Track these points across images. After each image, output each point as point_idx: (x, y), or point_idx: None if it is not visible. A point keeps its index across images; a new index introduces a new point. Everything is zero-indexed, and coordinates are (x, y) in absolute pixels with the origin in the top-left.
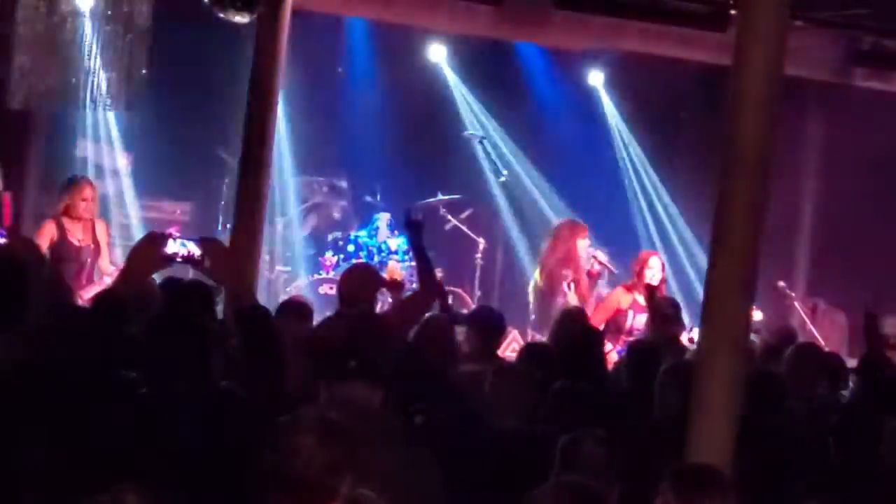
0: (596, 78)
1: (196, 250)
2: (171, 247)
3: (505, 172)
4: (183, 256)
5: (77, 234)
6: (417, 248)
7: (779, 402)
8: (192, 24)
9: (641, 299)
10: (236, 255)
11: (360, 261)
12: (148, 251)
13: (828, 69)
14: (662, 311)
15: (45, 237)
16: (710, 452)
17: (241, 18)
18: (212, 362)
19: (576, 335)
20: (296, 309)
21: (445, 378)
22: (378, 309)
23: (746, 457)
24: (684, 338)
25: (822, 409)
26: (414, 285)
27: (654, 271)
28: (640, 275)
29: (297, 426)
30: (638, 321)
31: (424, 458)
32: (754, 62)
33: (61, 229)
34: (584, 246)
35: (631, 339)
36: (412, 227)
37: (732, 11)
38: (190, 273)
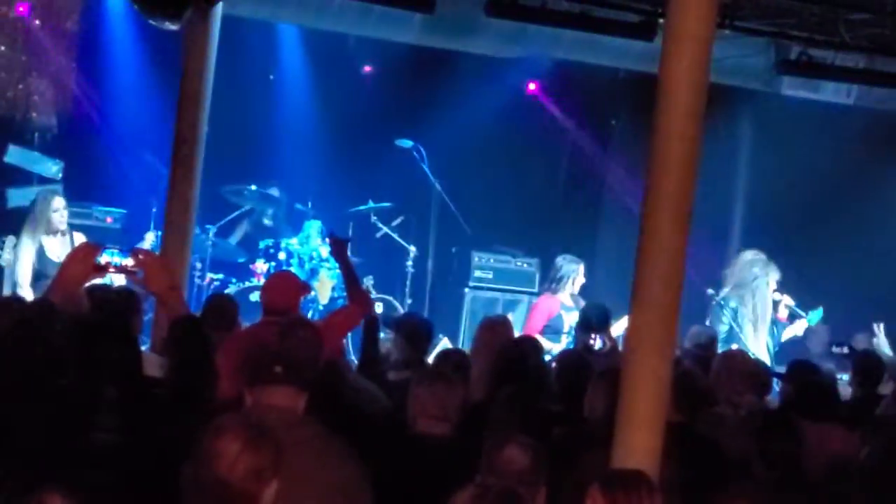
0: (529, 85)
1: (129, 261)
2: (104, 256)
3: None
4: (116, 266)
5: (56, 251)
6: (344, 265)
7: (705, 409)
8: (122, 29)
9: (568, 302)
10: (169, 266)
11: (282, 269)
12: (81, 261)
13: (757, 78)
14: (585, 318)
15: (26, 259)
16: (637, 458)
17: (170, 24)
18: (140, 367)
19: (508, 344)
20: (220, 313)
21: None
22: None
23: (674, 463)
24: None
25: (750, 416)
26: (345, 293)
27: (580, 278)
28: (565, 280)
29: (220, 431)
30: (572, 318)
31: (349, 463)
32: (681, 70)
33: (40, 248)
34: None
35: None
36: (335, 245)
37: (661, 20)
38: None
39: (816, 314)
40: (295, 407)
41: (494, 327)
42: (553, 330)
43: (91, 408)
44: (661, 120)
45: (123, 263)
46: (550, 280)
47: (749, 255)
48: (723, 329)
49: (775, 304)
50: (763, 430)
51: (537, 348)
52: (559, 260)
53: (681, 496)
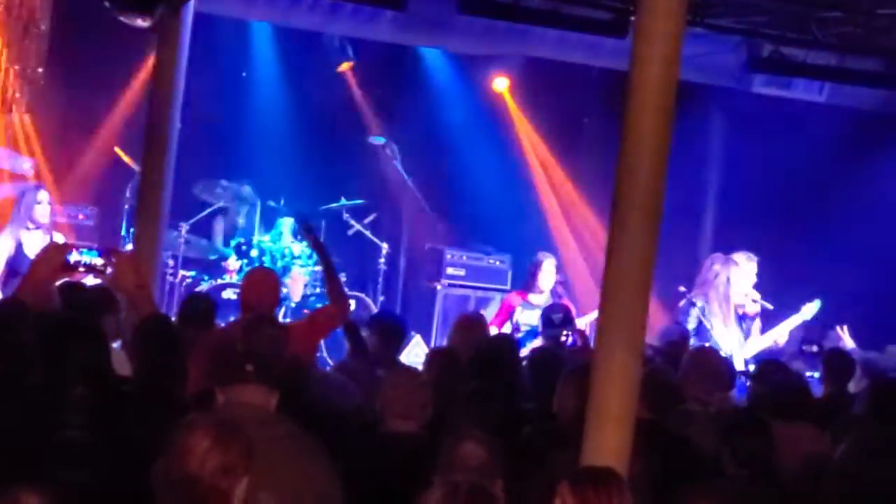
0: (500, 82)
1: (98, 259)
2: (74, 255)
3: (372, 216)
4: (85, 265)
5: (34, 248)
6: (323, 259)
7: (674, 406)
8: (94, 27)
9: (534, 299)
10: (138, 265)
11: (261, 266)
12: (50, 260)
13: (729, 76)
14: (548, 317)
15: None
16: (606, 455)
17: (141, 22)
18: (110, 365)
19: (484, 341)
20: (197, 312)
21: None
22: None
23: (644, 460)
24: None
25: (719, 413)
26: (317, 290)
27: (547, 274)
28: (534, 276)
29: (191, 428)
30: (525, 317)
31: (320, 461)
32: (651, 68)
33: (18, 244)
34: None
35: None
36: (306, 231)
37: (632, 18)
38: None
39: (813, 307)
40: (266, 405)
41: (470, 325)
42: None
43: (59, 406)
44: (631, 117)
45: (92, 262)
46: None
47: (713, 256)
48: (691, 328)
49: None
50: (732, 428)
51: (513, 346)
52: (537, 256)
53: (651, 493)
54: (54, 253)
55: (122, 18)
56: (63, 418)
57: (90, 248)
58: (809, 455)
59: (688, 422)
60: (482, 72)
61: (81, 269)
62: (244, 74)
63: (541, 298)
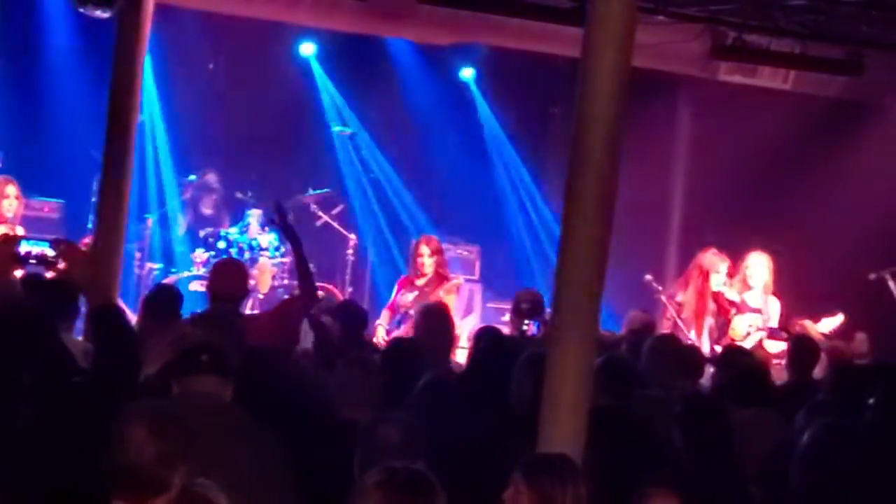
0: (466, 73)
1: (49, 251)
2: (24, 247)
3: (339, 207)
4: (36, 257)
5: None
6: (291, 237)
7: (634, 392)
8: (60, 20)
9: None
10: (89, 256)
11: (230, 257)
12: (1, 252)
13: (694, 64)
14: (517, 305)
15: None
16: (561, 443)
17: (101, 13)
18: (65, 356)
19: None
20: (164, 303)
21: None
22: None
23: (601, 446)
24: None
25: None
26: (285, 281)
27: (425, 257)
28: (413, 260)
29: (129, 418)
30: (405, 300)
31: (274, 449)
32: (603, 55)
33: None
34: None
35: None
36: (279, 215)
37: None
38: None
39: (831, 321)
40: (220, 394)
41: (432, 313)
42: None
43: (8, 395)
44: (584, 104)
45: (44, 254)
46: None
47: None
48: (667, 322)
49: (716, 294)
50: (687, 415)
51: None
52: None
53: (607, 479)
54: (3, 245)
55: (81, 10)
56: (11, 407)
57: (42, 240)
58: (770, 441)
59: (651, 408)
60: (448, 62)
61: (32, 260)
62: (210, 66)
63: (423, 281)
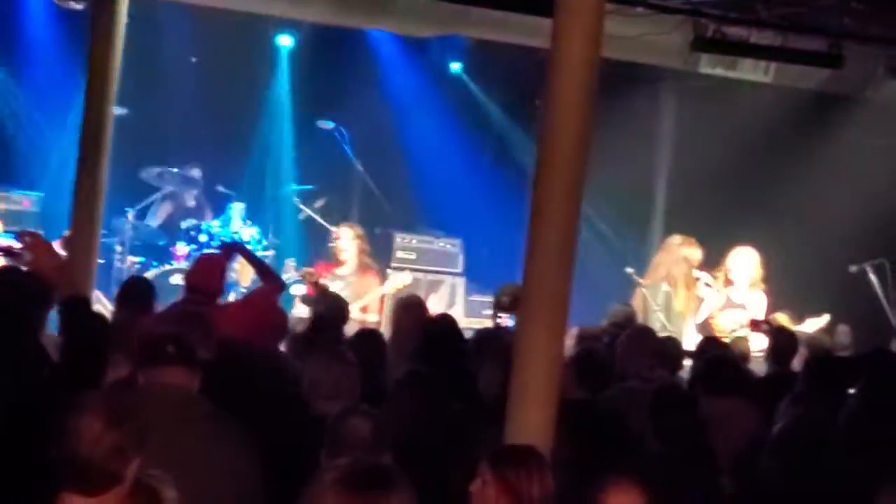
0: (453, 65)
1: (15, 243)
2: None
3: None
4: (2, 249)
5: None
6: (248, 256)
7: (609, 385)
8: (38, 11)
9: (339, 270)
10: (53, 248)
11: (209, 252)
12: None
13: (675, 56)
14: (498, 299)
15: None
16: (529, 434)
17: (75, 4)
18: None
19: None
20: (136, 295)
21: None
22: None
23: (571, 439)
24: None
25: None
26: None
27: (344, 244)
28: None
29: (83, 409)
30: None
31: (242, 441)
32: (572, 44)
33: None
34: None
35: None
36: (235, 249)
37: None
38: None
39: (818, 324)
40: (187, 386)
41: (409, 307)
42: None
43: None
44: (554, 94)
45: (9, 246)
46: None
47: (667, 240)
48: (652, 313)
49: (694, 282)
50: (658, 406)
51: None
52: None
53: (575, 472)
54: None
55: (56, 1)
56: None
57: (6, 232)
58: (743, 432)
59: (628, 400)
60: (431, 54)
61: None
62: (193, 59)
63: (345, 270)
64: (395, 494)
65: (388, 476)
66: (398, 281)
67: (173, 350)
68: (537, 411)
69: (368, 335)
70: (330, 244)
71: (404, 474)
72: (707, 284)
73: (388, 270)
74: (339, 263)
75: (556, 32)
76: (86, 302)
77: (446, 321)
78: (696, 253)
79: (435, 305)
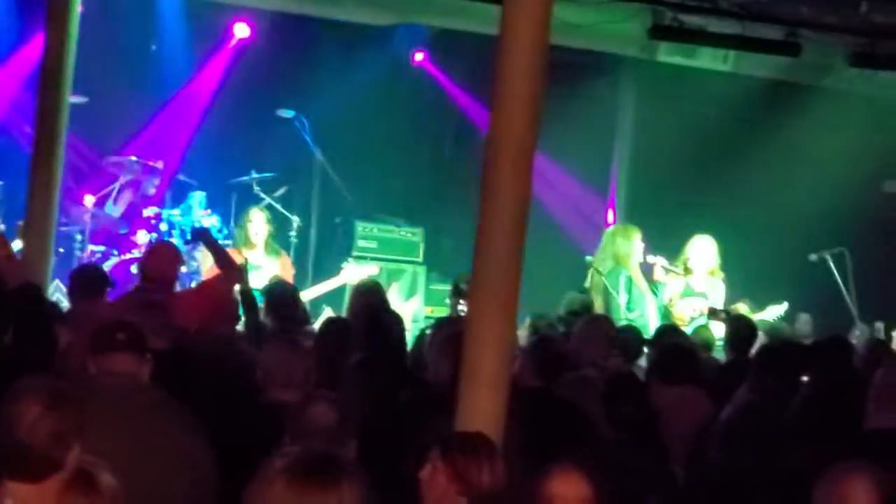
0: (414, 54)
1: None
2: None
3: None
4: None
5: None
6: (210, 245)
7: (564, 373)
8: None
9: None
10: (4, 239)
11: (164, 240)
12: None
13: (633, 45)
14: (457, 286)
15: None
16: (479, 420)
17: None
18: None
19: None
20: (86, 283)
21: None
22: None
23: (524, 426)
24: None
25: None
26: None
27: (255, 226)
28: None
29: (19, 394)
30: None
31: (193, 429)
32: (521, 29)
33: None
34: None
35: None
36: (200, 236)
37: None
38: None
39: (778, 312)
40: (137, 373)
41: (359, 293)
42: None
43: None
44: (502, 82)
45: None
46: None
47: (611, 229)
48: (613, 301)
49: (650, 266)
50: (610, 393)
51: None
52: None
53: (528, 459)
54: None
55: None
56: None
57: None
58: (695, 420)
59: (582, 387)
60: (392, 42)
61: None
62: (153, 48)
63: (253, 255)
64: (346, 483)
65: (339, 465)
66: (364, 272)
67: (123, 337)
68: (488, 397)
69: (335, 323)
70: (238, 228)
71: (355, 463)
72: (665, 268)
73: (351, 260)
74: (250, 247)
75: (504, 18)
76: (35, 290)
77: (380, 304)
78: (636, 237)
79: (396, 294)
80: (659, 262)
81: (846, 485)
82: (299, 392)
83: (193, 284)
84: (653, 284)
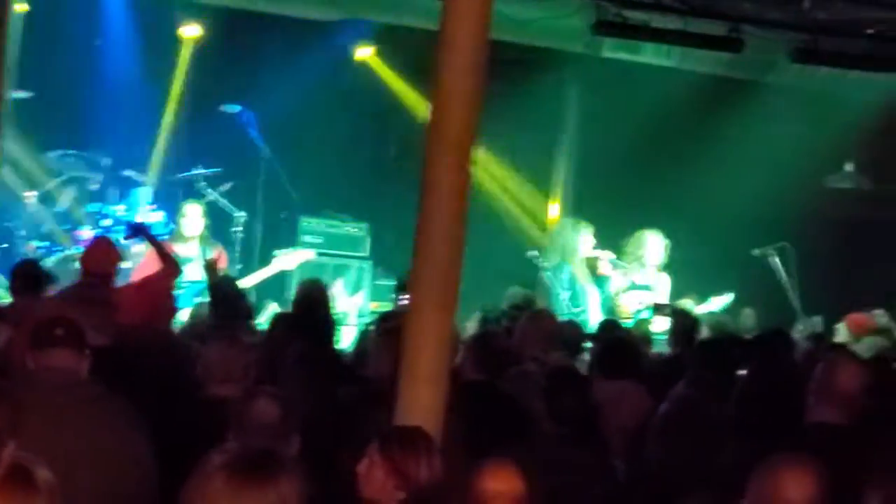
0: (361, 49)
1: None
2: None
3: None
4: None
5: None
6: (149, 240)
7: (507, 367)
8: None
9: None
10: None
11: (104, 235)
12: None
13: (577, 40)
14: (401, 281)
15: None
16: (418, 414)
17: None
18: None
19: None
20: (26, 279)
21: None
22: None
23: (465, 420)
24: None
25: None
26: None
27: (191, 220)
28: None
29: None
30: None
31: (131, 425)
32: (460, 24)
33: None
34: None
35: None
36: (138, 231)
37: None
38: None
39: (723, 302)
40: (76, 369)
41: (301, 287)
42: None
43: None
44: (441, 78)
45: None
46: None
47: (560, 223)
48: (556, 296)
49: (595, 261)
50: (550, 387)
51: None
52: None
53: (469, 453)
54: None
55: None
56: None
57: None
58: (636, 414)
59: (523, 382)
60: (339, 38)
61: None
62: (97, 43)
63: (188, 248)
64: (285, 479)
65: (277, 461)
66: (297, 257)
67: (62, 333)
68: (427, 392)
69: (283, 318)
70: (172, 225)
71: (295, 458)
72: (611, 263)
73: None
74: (184, 241)
75: (445, 13)
76: None
77: (313, 296)
78: (584, 231)
79: (341, 289)
80: (605, 255)
81: (780, 477)
82: (239, 387)
83: (133, 280)
84: (597, 279)
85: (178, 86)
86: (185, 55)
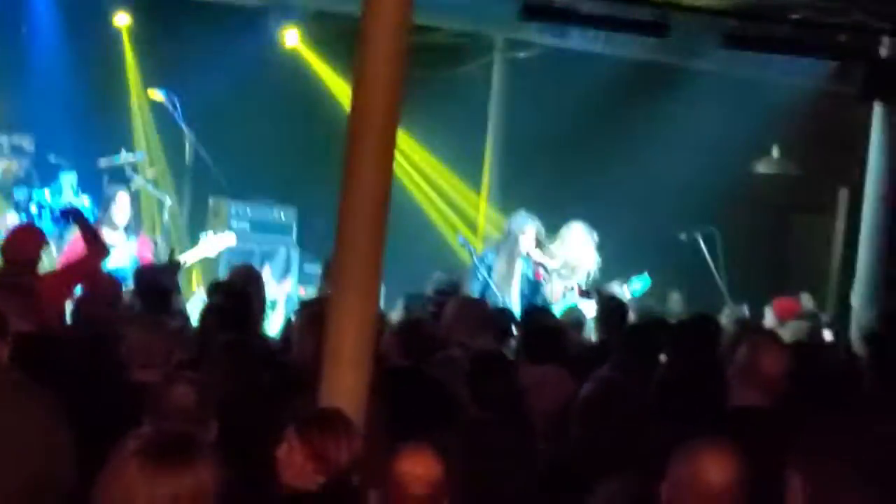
0: (291, 35)
1: None
2: None
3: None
4: None
5: None
6: (80, 223)
7: (434, 352)
8: None
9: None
10: None
11: (28, 222)
12: None
13: (505, 25)
14: (326, 267)
15: None
16: (341, 397)
17: None
18: None
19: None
20: None
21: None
22: None
23: (389, 403)
24: None
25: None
26: None
27: (119, 208)
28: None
29: None
30: None
31: (50, 411)
32: (381, 13)
33: None
34: None
35: None
36: (69, 215)
37: None
38: None
39: (642, 284)
40: None
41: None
42: None
43: None
44: (363, 61)
45: None
46: None
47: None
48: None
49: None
50: (475, 372)
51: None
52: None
53: (394, 437)
54: None
55: None
56: None
57: None
58: (559, 398)
59: (449, 367)
60: (264, 23)
61: None
62: (23, 30)
63: (116, 235)
64: (200, 464)
65: (192, 445)
66: (222, 242)
67: None
68: (350, 376)
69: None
70: (103, 213)
71: (210, 443)
72: (538, 252)
73: (210, 231)
74: (113, 227)
75: (365, 3)
76: None
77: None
78: (532, 228)
79: (269, 275)
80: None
81: (699, 460)
82: (160, 372)
83: (57, 266)
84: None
85: (104, 70)
86: (126, 43)
